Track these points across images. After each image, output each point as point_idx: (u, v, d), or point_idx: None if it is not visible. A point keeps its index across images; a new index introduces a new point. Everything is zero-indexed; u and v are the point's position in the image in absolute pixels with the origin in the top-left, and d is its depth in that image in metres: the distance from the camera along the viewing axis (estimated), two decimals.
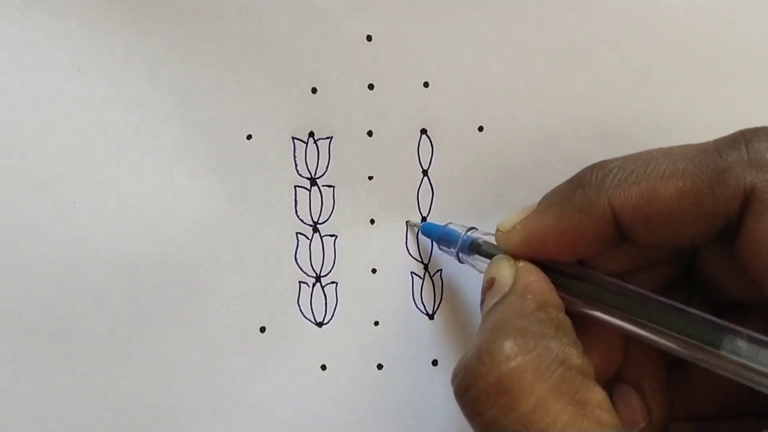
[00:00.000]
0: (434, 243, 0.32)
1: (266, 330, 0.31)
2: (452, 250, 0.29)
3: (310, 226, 0.32)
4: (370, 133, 0.32)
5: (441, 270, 0.32)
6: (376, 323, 0.32)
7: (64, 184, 0.31)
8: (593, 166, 0.25)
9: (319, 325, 0.32)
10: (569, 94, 0.32)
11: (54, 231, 0.30)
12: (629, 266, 0.27)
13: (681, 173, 0.23)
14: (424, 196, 0.32)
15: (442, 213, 0.32)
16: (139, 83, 0.31)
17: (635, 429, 0.27)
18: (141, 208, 0.31)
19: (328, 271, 0.32)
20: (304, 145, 0.31)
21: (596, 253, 0.26)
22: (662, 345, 0.24)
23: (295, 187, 0.32)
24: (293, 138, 0.31)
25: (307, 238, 0.32)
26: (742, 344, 0.22)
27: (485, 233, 0.28)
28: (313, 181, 0.32)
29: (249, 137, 0.31)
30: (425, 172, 0.32)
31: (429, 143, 0.32)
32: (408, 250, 0.32)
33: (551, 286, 0.25)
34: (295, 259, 0.32)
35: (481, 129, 0.32)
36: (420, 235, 0.32)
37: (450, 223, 0.30)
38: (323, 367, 0.32)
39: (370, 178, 0.32)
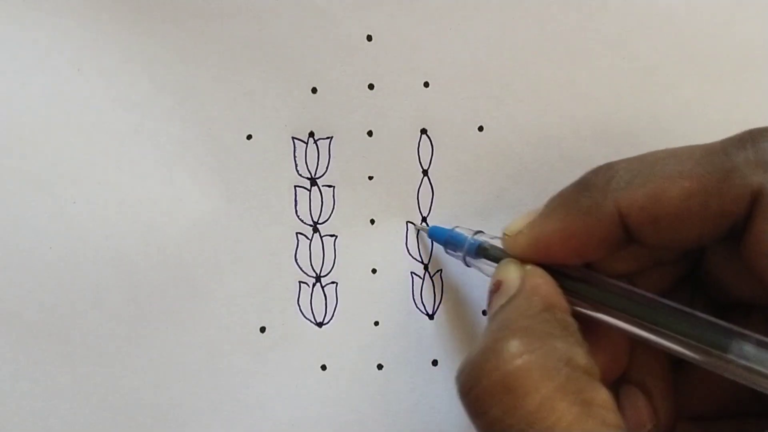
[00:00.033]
0: (433, 243, 0.32)
1: (266, 330, 0.31)
2: (459, 253, 0.29)
3: (310, 226, 0.32)
4: (370, 133, 0.32)
5: (441, 270, 0.32)
6: (376, 323, 0.32)
7: (64, 184, 0.31)
8: (599, 169, 0.25)
9: (319, 325, 0.32)
10: (569, 94, 0.32)
11: (54, 231, 0.30)
12: (635, 267, 0.27)
13: (688, 174, 0.23)
14: (424, 196, 0.32)
15: (442, 213, 0.32)
16: (139, 83, 0.31)
17: (642, 430, 0.27)
18: (141, 208, 0.31)
19: (328, 271, 0.32)
20: (304, 145, 0.31)
21: (603, 255, 0.26)
22: (669, 349, 0.24)
23: (295, 187, 0.32)
24: (293, 138, 0.31)
25: (307, 238, 0.32)
26: (749, 348, 0.22)
27: (492, 237, 0.28)
28: (313, 181, 0.32)
29: (249, 137, 0.31)
30: (425, 172, 0.32)
31: (429, 143, 0.32)
32: (408, 250, 0.32)
33: (558, 289, 0.25)
34: (295, 259, 0.32)
35: (481, 129, 0.32)
36: (420, 235, 0.32)
37: (457, 226, 0.30)
38: (323, 367, 0.32)
39: (370, 178, 0.32)
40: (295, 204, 0.32)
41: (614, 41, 0.31)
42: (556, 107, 0.32)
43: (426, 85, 0.31)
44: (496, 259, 0.27)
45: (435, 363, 0.32)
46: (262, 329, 0.31)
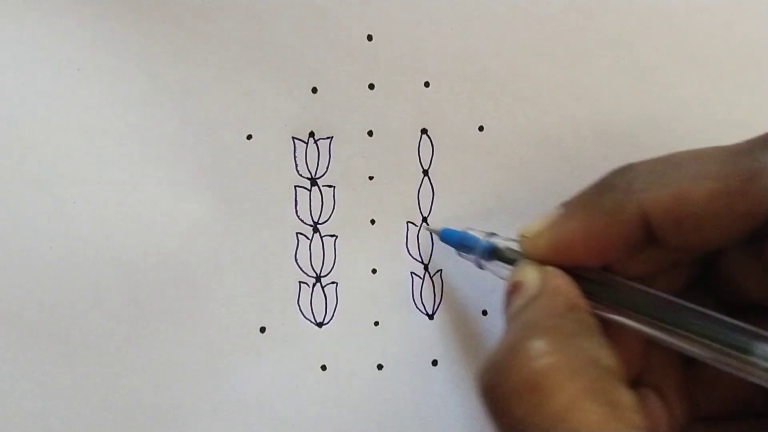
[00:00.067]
0: (434, 245, 0.32)
1: (266, 330, 0.31)
2: (472, 256, 0.29)
3: (311, 226, 0.32)
4: (370, 133, 0.32)
5: (441, 270, 0.32)
6: (376, 323, 0.32)
7: (64, 184, 0.31)
8: (620, 170, 0.25)
9: (319, 325, 0.32)
10: (569, 94, 0.32)
11: (54, 231, 0.30)
12: (652, 269, 0.27)
13: (713, 175, 0.23)
14: (425, 196, 0.32)
15: (442, 213, 0.32)
16: (139, 83, 0.31)
17: None
18: (141, 208, 0.31)
19: (329, 271, 0.32)
20: (304, 145, 0.31)
21: (624, 257, 0.25)
22: (690, 351, 0.23)
23: (295, 187, 0.32)
24: (293, 138, 0.31)
25: (307, 239, 0.32)
26: None
27: (506, 238, 0.28)
28: (313, 181, 0.32)
29: (249, 137, 0.31)
30: (425, 172, 0.32)
31: (429, 143, 0.32)
32: (408, 250, 0.32)
33: (579, 290, 0.25)
34: (295, 259, 0.32)
35: (481, 129, 0.32)
36: (420, 235, 0.32)
37: (468, 228, 0.30)
38: (323, 367, 0.32)
39: (371, 178, 0.32)
40: (295, 204, 0.32)
41: (614, 41, 0.31)
42: (556, 107, 0.32)
43: (426, 85, 0.31)
44: (510, 261, 0.27)
45: (435, 363, 0.32)
46: (262, 329, 0.31)
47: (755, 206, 0.23)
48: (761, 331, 0.22)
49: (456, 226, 0.32)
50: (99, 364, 0.31)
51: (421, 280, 0.32)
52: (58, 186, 0.30)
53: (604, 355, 0.22)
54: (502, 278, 0.27)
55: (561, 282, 0.25)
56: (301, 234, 0.32)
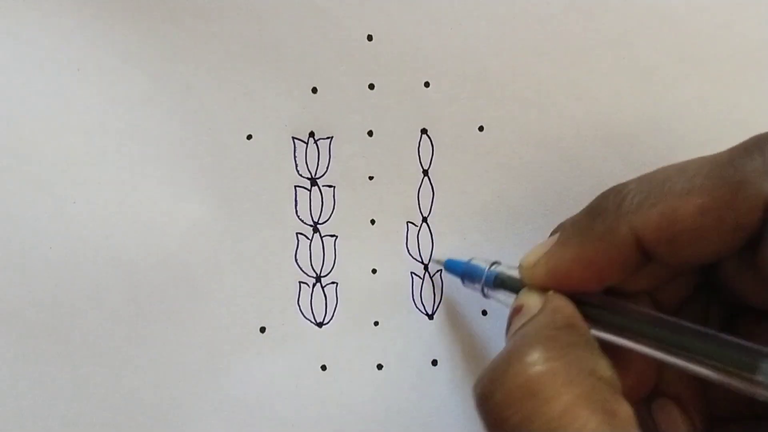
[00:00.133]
0: (434, 243, 0.32)
1: (266, 330, 0.31)
2: (477, 286, 0.29)
3: (311, 226, 0.32)
4: (370, 133, 0.32)
5: (441, 270, 0.32)
6: (376, 323, 0.32)
7: (64, 184, 0.31)
8: (608, 192, 0.25)
9: (319, 325, 0.32)
10: (569, 94, 0.32)
11: (54, 231, 0.30)
12: (654, 283, 0.27)
13: (698, 190, 0.23)
14: (425, 196, 0.32)
15: (442, 213, 0.32)
16: (139, 83, 0.31)
17: None
18: (141, 208, 0.31)
19: (329, 271, 0.32)
20: (304, 145, 0.31)
21: (623, 278, 0.25)
22: (695, 371, 0.23)
23: (295, 187, 0.32)
24: (293, 138, 0.31)
25: (308, 239, 0.32)
26: None
27: (509, 267, 0.28)
28: (313, 181, 0.32)
29: (249, 137, 0.31)
30: (425, 172, 0.32)
31: (429, 143, 0.32)
32: (408, 250, 0.32)
33: (578, 313, 0.25)
34: (295, 260, 0.32)
35: (481, 129, 0.32)
36: (420, 236, 0.32)
37: (473, 258, 0.30)
38: (323, 367, 0.32)
39: (371, 178, 0.32)
40: (295, 204, 0.32)
41: (614, 41, 0.31)
42: (556, 107, 0.32)
43: (426, 85, 0.31)
44: (514, 290, 0.27)
45: (435, 363, 0.32)
46: (262, 329, 0.31)
47: (743, 217, 0.23)
48: (765, 349, 0.22)
49: (456, 226, 0.32)
50: (99, 364, 0.31)
51: (421, 280, 0.32)
52: (58, 186, 0.30)
53: (601, 366, 0.22)
54: (507, 306, 0.27)
55: (561, 303, 0.25)
56: (301, 234, 0.32)
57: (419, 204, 0.32)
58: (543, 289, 0.26)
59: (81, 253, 0.31)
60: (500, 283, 0.28)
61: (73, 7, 0.30)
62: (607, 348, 0.24)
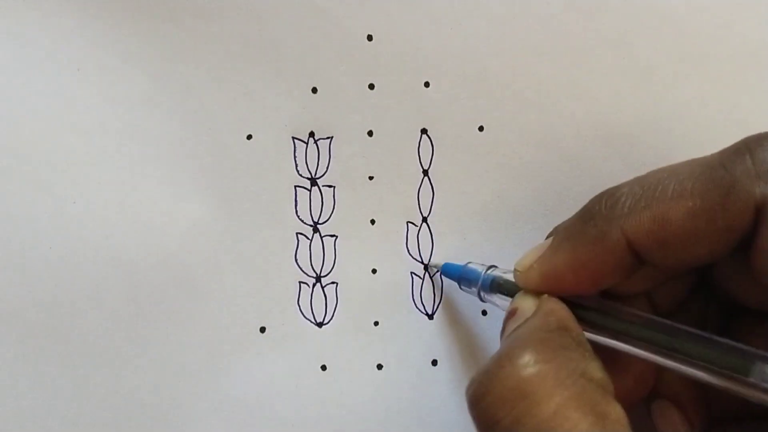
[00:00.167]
0: (434, 243, 0.32)
1: (266, 330, 0.31)
2: (473, 289, 0.29)
3: (311, 226, 0.32)
4: (370, 133, 0.32)
5: (441, 270, 0.32)
6: (376, 323, 0.32)
7: (64, 184, 0.31)
8: (601, 196, 0.25)
9: (319, 325, 0.32)
10: (569, 94, 0.32)
11: (54, 231, 0.30)
12: (650, 285, 0.27)
13: (689, 193, 0.23)
14: (425, 196, 0.32)
15: (442, 213, 0.32)
16: (139, 83, 0.31)
17: None
18: (141, 208, 0.31)
19: (329, 271, 0.32)
20: (304, 145, 0.31)
21: (617, 281, 0.25)
22: (690, 374, 0.23)
23: (295, 187, 0.32)
24: (293, 138, 0.31)
25: (307, 239, 0.32)
26: None
27: (505, 271, 0.28)
28: (313, 181, 0.32)
29: (249, 137, 0.31)
30: (425, 172, 0.32)
31: (429, 143, 0.32)
32: (408, 250, 0.32)
33: (572, 315, 0.25)
34: (295, 260, 0.32)
35: (481, 129, 0.32)
36: (420, 236, 0.32)
37: (470, 262, 0.30)
38: (323, 367, 0.32)
39: (371, 178, 0.32)
40: (295, 204, 0.32)
41: (614, 41, 0.31)
42: (556, 107, 0.32)
43: (426, 85, 0.31)
44: (510, 293, 0.27)
45: (435, 363, 0.32)
46: (262, 329, 0.31)
47: (734, 219, 0.23)
48: (760, 352, 0.22)
49: (456, 226, 0.32)
50: (99, 364, 0.31)
51: (421, 280, 0.32)
52: (58, 186, 0.30)
53: (592, 368, 0.22)
54: (503, 310, 0.27)
55: (554, 306, 0.25)
56: (301, 234, 0.32)
57: (419, 204, 0.32)
58: (538, 292, 0.26)
59: (81, 253, 0.31)
60: (496, 286, 0.28)
61: (73, 7, 0.30)
62: (606, 350, 0.24)
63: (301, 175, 0.32)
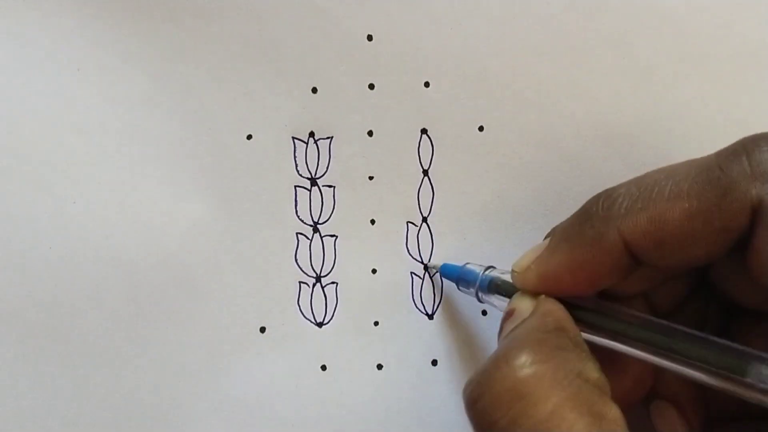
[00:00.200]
0: (434, 243, 0.32)
1: (266, 330, 0.31)
2: (471, 290, 0.29)
3: (311, 226, 0.32)
4: (370, 133, 0.32)
5: (441, 270, 0.32)
6: (376, 323, 0.32)
7: (64, 184, 0.31)
8: (598, 197, 0.25)
9: (319, 325, 0.32)
10: (569, 94, 0.32)
11: (54, 231, 0.30)
12: (648, 286, 0.27)
13: (686, 194, 0.23)
14: (425, 196, 0.32)
15: (442, 213, 0.32)
16: (139, 83, 0.31)
17: None
18: (141, 208, 0.31)
19: (329, 271, 0.32)
20: (304, 145, 0.31)
21: (614, 282, 0.25)
22: (687, 375, 0.23)
23: (295, 187, 0.32)
24: (293, 138, 0.31)
25: (307, 239, 0.32)
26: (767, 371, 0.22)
27: (503, 271, 0.28)
28: (313, 181, 0.32)
29: (249, 137, 0.31)
30: (425, 172, 0.32)
31: (429, 143, 0.32)
32: (408, 250, 0.32)
33: (569, 316, 0.25)
34: (295, 260, 0.32)
35: (481, 129, 0.32)
36: (420, 236, 0.32)
37: (468, 263, 0.30)
38: (323, 367, 0.32)
39: (371, 178, 0.32)
40: (295, 204, 0.32)
41: (614, 41, 0.31)
42: (556, 107, 0.32)
43: (426, 85, 0.31)
44: (508, 294, 0.27)
45: (435, 363, 0.32)
46: (262, 329, 0.31)
47: (730, 220, 0.23)
48: (757, 352, 0.22)
49: (456, 226, 0.32)
50: (99, 364, 0.31)
51: (421, 280, 0.32)
52: (58, 186, 0.30)
53: (589, 368, 0.23)
54: (501, 311, 0.27)
55: (551, 307, 0.25)
56: (301, 234, 0.32)
57: (419, 204, 0.32)
58: (535, 293, 0.26)
59: (81, 253, 0.31)
60: (494, 287, 0.28)
61: (73, 7, 0.30)
62: (604, 351, 0.24)
63: (301, 175, 0.32)
